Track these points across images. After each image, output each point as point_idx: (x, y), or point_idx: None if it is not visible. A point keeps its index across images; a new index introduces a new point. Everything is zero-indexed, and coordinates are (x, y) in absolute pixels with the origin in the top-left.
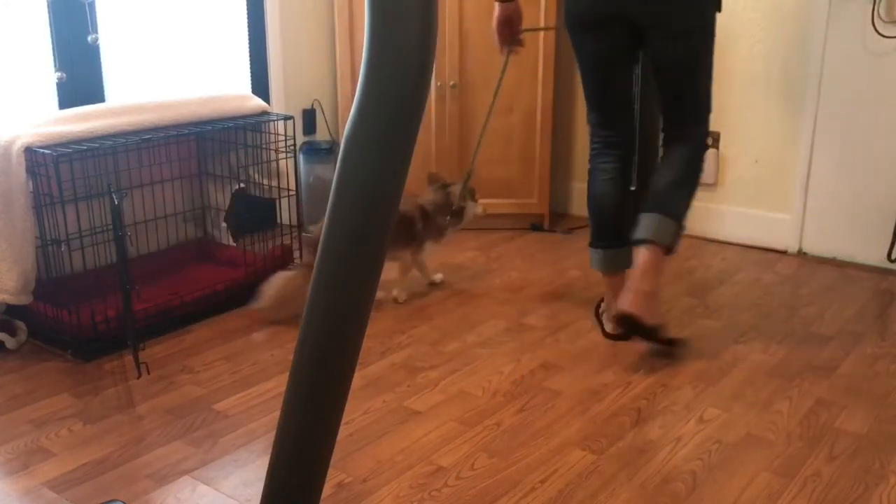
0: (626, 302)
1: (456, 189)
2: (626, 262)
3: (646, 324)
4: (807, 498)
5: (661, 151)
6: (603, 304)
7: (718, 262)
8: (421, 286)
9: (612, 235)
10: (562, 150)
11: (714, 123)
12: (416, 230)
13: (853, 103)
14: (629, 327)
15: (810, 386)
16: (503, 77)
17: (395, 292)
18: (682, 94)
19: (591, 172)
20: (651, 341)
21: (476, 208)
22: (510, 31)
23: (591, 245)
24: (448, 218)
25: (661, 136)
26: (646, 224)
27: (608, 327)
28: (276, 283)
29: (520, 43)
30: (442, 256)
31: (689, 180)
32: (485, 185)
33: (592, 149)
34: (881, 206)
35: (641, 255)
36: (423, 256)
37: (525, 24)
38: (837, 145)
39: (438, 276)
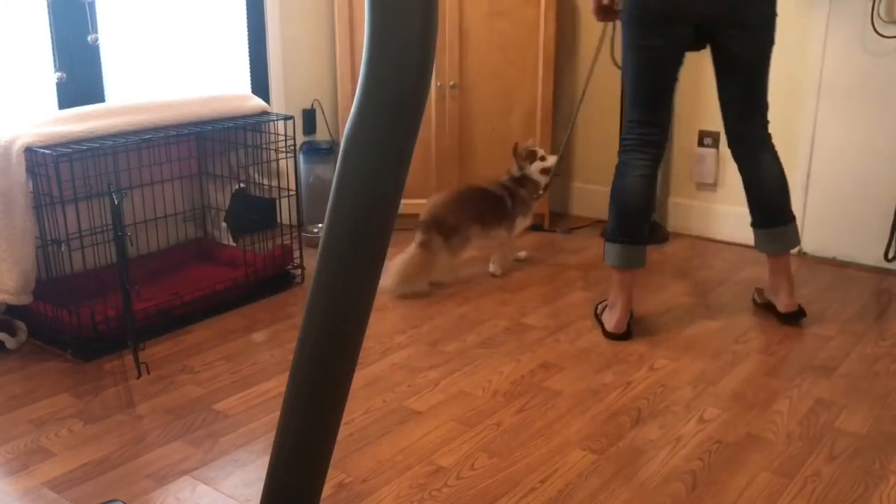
0: (788, 304)
1: (533, 166)
2: (642, 260)
3: (802, 309)
4: (807, 498)
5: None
6: (602, 304)
7: (718, 262)
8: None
9: (634, 232)
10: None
11: (714, 123)
12: (507, 208)
13: (853, 103)
14: (799, 318)
15: (810, 386)
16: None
17: (491, 267)
18: (752, 89)
19: (621, 167)
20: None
21: (539, 166)
22: (607, 15)
23: (610, 240)
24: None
25: (728, 133)
26: (775, 238)
27: (609, 326)
28: (398, 263)
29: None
30: None
31: (784, 179)
32: None
33: (626, 144)
34: (881, 206)
35: (779, 262)
36: (515, 233)
37: (523, 25)
38: (837, 145)
39: (523, 253)
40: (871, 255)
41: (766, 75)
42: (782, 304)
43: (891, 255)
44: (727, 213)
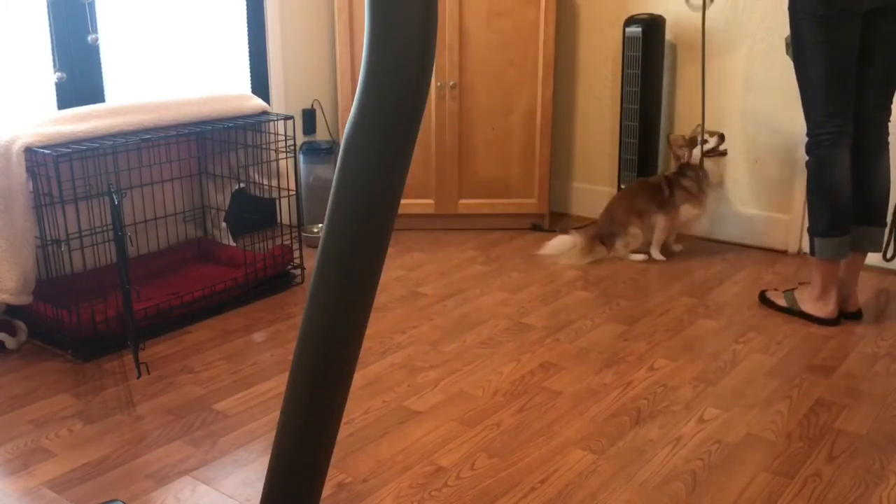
0: (855, 303)
1: (682, 150)
2: (849, 249)
3: (860, 311)
4: (807, 498)
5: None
6: (783, 294)
7: (718, 262)
8: (415, 287)
9: (847, 222)
10: (561, 150)
11: (714, 123)
12: (664, 197)
13: None
14: (859, 317)
15: (810, 386)
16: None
17: (652, 252)
18: (893, 79)
19: (823, 163)
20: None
21: (702, 148)
22: None
23: (823, 235)
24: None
25: (857, 123)
26: (868, 237)
27: (825, 314)
28: (559, 243)
29: None
30: (442, 256)
31: (888, 186)
32: (485, 186)
33: (824, 139)
34: None
35: (858, 262)
36: (681, 220)
37: (523, 25)
38: None
39: (678, 247)
40: (871, 255)
41: None
42: (849, 304)
43: (890, 254)
44: (727, 213)
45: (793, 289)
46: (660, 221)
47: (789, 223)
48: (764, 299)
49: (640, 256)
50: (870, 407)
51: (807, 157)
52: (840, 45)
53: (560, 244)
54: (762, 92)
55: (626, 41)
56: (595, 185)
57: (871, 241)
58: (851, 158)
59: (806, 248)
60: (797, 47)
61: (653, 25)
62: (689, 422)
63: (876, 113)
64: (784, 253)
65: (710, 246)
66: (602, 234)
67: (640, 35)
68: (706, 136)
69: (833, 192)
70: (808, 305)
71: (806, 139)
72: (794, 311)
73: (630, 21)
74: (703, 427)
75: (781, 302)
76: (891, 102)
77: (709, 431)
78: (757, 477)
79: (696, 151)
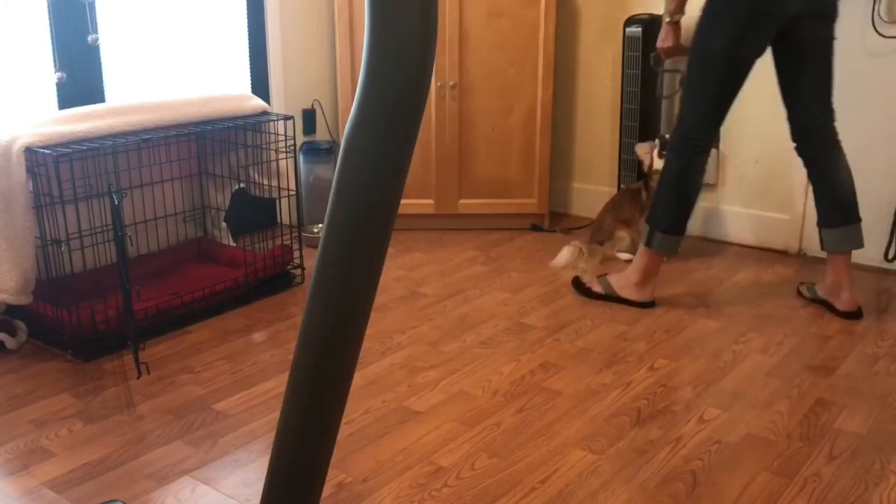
0: (850, 303)
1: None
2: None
3: (861, 309)
4: (807, 498)
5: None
6: (608, 277)
7: (718, 262)
8: (415, 287)
9: (687, 223)
10: (561, 150)
11: None
12: (642, 200)
13: (853, 103)
14: (859, 317)
15: (810, 386)
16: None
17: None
18: (830, 78)
19: (689, 167)
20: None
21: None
22: (677, 51)
23: (670, 231)
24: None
25: (806, 130)
26: (847, 237)
27: (643, 296)
28: (565, 254)
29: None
30: (442, 256)
31: (853, 181)
32: (484, 186)
33: (695, 146)
34: (881, 207)
35: (843, 261)
36: None
37: (523, 25)
38: None
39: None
40: (871, 255)
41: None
42: (844, 304)
43: (891, 255)
44: (727, 213)
45: (605, 274)
46: (640, 223)
47: (789, 223)
48: (578, 286)
49: (627, 256)
50: (870, 407)
51: (670, 153)
52: (744, 61)
53: (568, 254)
54: (762, 91)
55: (626, 41)
56: (595, 185)
57: (852, 239)
58: (816, 165)
59: (806, 248)
60: (703, 50)
61: (653, 25)
62: (689, 422)
63: (820, 118)
64: (784, 253)
65: (710, 246)
66: (596, 240)
67: (640, 35)
68: (668, 137)
69: (690, 195)
70: (627, 291)
71: (676, 136)
72: (611, 297)
73: (630, 21)
74: (703, 427)
75: (598, 289)
76: (831, 103)
77: (709, 431)
78: (757, 477)
79: (655, 154)
